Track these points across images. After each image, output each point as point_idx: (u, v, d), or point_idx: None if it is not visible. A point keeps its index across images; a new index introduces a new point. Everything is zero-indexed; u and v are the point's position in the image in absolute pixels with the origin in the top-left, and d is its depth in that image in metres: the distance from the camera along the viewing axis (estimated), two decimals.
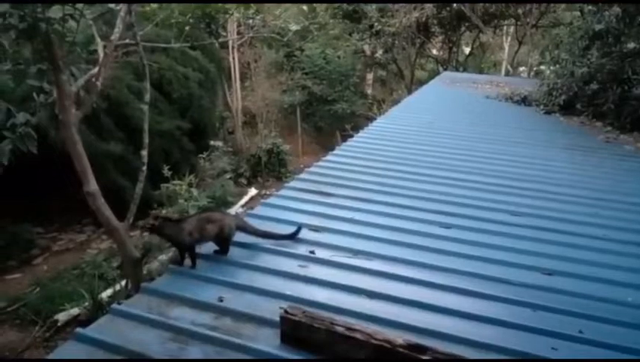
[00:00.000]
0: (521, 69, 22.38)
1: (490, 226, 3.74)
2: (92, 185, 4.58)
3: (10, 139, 4.59)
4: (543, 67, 14.02)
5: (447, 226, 3.69)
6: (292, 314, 2.19)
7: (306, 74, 18.40)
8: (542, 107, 8.93)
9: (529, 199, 4.39)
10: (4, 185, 7.53)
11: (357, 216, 3.79)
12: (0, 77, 6.96)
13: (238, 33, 13.87)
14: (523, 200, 4.34)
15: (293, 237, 3.28)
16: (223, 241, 2.97)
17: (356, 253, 3.16)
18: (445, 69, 18.41)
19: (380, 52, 19.61)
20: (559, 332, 2.43)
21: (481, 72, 20.00)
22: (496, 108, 9.16)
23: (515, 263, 3.17)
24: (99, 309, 6.31)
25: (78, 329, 2.28)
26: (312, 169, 4.98)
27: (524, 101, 9.48)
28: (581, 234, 3.69)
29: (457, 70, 18.63)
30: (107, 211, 4.73)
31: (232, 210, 10.68)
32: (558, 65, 9.32)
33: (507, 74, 19.42)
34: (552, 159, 5.78)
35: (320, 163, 5.18)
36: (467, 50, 21.55)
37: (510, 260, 3.21)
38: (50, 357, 2.15)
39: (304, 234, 3.37)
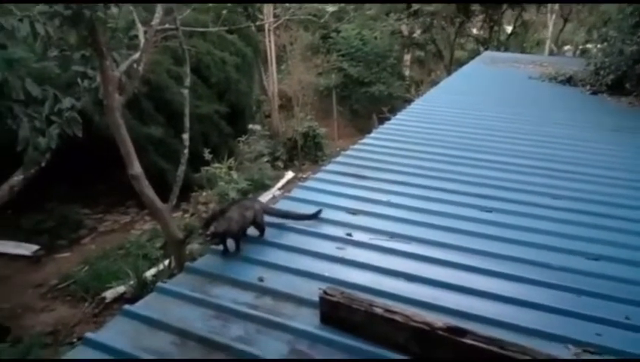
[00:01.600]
0: (566, 47, 21.56)
1: (531, 210, 3.65)
2: (136, 168, 4.74)
3: (58, 123, 4.79)
4: (589, 45, 13.50)
5: (487, 210, 3.63)
6: (331, 295, 2.22)
7: (342, 56, 18.26)
8: (588, 87, 8.60)
9: (573, 182, 4.26)
10: (52, 169, 7.86)
11: (394, 199, 3.77)
12: (47, 63, 7.23)
13: (275, 16, 13.87)
14: (566, 183, 4.21)
15: (312, 217, 3.30)
16: (258, 225, 3.04)
17: (393, 236, 3.15)
18: (486, 49, 17.88)
19: (418, 32, 19.22)
20: (604, 318, 2.37)
21: (523, 51, 19.36)
22: (540, 88, 8.86)
23: (557, 247, 3.10)
24: (143, 287, 6.56)
25: (126, 306, 2.38)
26: (348, 152, 4.96)
27: (569, 81, 9.14)
28: (627, 219, 3.56)
29: (498, 50, 18.07)
30: (151, 193, 4.89)
31: (270, 193, 10.83)
32: (605, 44, 8.93)
33: (551, 53, 18.73)
34: (598, 141, 5.57)
35: (356, 146, 5.16)
36: (509, 28, 20.86)
37: (552, 244, 3.13)
38: (101, 331, 2.25)
39: (341, 216, 3.39)
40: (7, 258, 7.89)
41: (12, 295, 7.05)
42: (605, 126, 6.26)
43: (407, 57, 20.74)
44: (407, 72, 20.58)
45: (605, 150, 5.24)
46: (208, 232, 2.73)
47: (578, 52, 17.81)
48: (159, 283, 2.63)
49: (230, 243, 2.87)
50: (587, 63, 9.23)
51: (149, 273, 7.15)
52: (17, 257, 7.95)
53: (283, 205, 3.53)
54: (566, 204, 3.79)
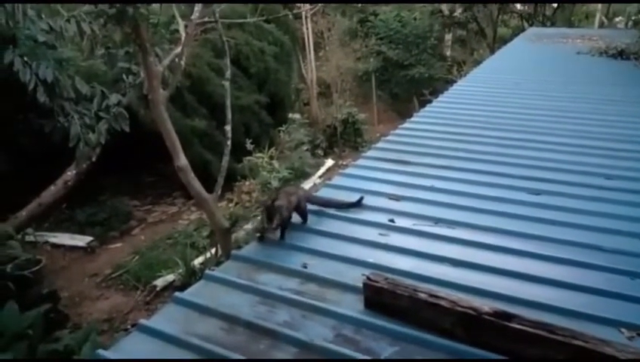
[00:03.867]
0: (618, 19, 20.43)
1: (582, 191, 3.52)
2: (182, 160, 4.87)
3: (106, 119, 4.97)
4: None
5: (536, 192, 3.52)
6: (375, 281, 2.22)
7: (381, 39, 18.00)
8: None
9: (626, 161, 4.07)
10: (102, 163, 8.20)
11: (437, 184, 3.71)
12: (94, 61, 7.51)
13: (311, 2, 13.79)
14: (619, 163, 4.02)
15: (354, 205, 3.29)
16: (301, 212, 3.08)
17: (437, 221, 3.11)
18: (531, 25, 17.22)
19: (458, 10, 18.65)
20: None
21: (571, 25, 18.48)
22: (589, 64, 8.47)
23: (610, 229, 2.98)
24: (192, 275, 6.77)
25: (176, 294, 2.46)
26: (389, 137, 4.90)
27: (621, 55, 8.68)
28: None
29: (544, 25, 17.35)
30: (197, 184, 5.02)
31: (311, 181, 10.89)
32: None
33: (601, 26, 17.82)
34: None
35: (397, 130, 5.09)
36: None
37: (605, 226, 3.01)
38: (154, 317, 2.34)
39: (383, 203, 3.37)
40: (64, 249, 8.30)
41: (70, 284, 7.43)
42: None
43: (448, 37, 20.18)
44: (448, 53, 20.05)
45: None
46: (274, 226, 2.77)
47: (630, 23, 16.83)
48: (207, 271, 2.70)
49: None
50: None
51: (197, 261, 7.36)
52: (73, 248, 8.36)
53: (324, 193, 3.54)
54: (619, 184, 3.64)
